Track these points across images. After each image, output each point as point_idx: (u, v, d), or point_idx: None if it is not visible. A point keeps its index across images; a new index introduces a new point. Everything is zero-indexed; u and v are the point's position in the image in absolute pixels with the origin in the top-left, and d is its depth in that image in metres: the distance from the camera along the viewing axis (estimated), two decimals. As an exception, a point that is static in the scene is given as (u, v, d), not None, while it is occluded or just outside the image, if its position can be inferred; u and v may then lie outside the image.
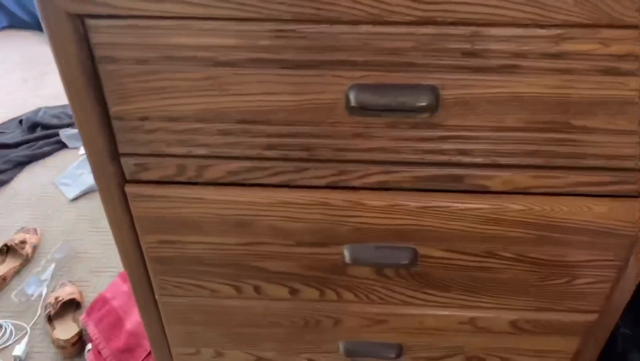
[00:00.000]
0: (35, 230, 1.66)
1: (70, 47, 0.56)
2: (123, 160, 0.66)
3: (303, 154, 0.64)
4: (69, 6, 0.54)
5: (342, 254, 0.72)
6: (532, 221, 0.67)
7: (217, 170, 0.66)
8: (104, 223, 1.66)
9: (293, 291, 0.78)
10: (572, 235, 0.68)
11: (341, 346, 0.85)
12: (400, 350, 0.85)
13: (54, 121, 2.16)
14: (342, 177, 0.66)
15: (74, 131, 2.06)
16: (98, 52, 0.57)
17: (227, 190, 0.68)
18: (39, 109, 2.26)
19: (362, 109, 0.59)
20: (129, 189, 0.68)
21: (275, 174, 0.66)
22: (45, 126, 2.13)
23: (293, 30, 0.55)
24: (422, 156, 0.63)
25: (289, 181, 0.66)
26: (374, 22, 0.54)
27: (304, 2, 0.52)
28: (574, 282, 0.73)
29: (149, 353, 1.29)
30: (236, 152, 0.65)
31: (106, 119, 0.63)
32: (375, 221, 0.68)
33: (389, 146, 0.63)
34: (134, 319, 1.35)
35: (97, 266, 1.58)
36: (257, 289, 0.78)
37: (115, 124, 0.63)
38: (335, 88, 0.59)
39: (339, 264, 0.74)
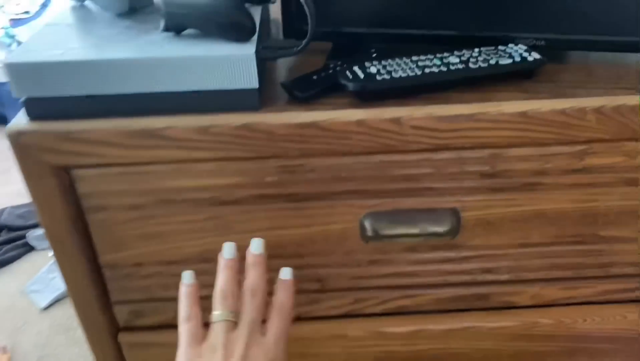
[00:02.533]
0: (4, 348, 1.53)
1: (55, 200, 0.51)
2: (116, 308, 0.59)
3: (315, 286, 0.59)
4: (54, 159, 0.48)
5: (362, 385, 0.66)
6: (563, 333, 0.62)
7: (221, 309, 0.60)
8: (82, 333, 1.54)
9: None
10: (606, 344, 0.64)
11: None
12: None
13: (20, 222, 2.05)
14: (360, 305, 0.61)
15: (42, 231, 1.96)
16: (86, 202, 0.52)
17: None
18: (3, 210, 2.15)
19: (379, 237, 0.55)
20: (123, 338, 0.61)
21: (286, 308, 0.60)
22: (11, 228, 2.01)
23: (301, 166, 0.51)
24: (445, 277, 0.59)
25: (302, 314, 0.61)
26: (389, 152, 0.50)
27: (314, 138, 0.49)
28: (610, 390, 0.68)
29: None
30: (241, 289, 0.59)
31: (95, 269, 0.56)
32: (397, 348, 0.63)
33: (408, 270, 0.58)
34: None
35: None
36: None
37: (107, 272, 0.57)
38: (348, 217, 0.54)
39: (359, 394, 0.67)
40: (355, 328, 0.62)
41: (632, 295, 0.61)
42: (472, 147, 0.50)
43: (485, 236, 0.56)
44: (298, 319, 0.61)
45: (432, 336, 0.62)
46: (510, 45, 0.53)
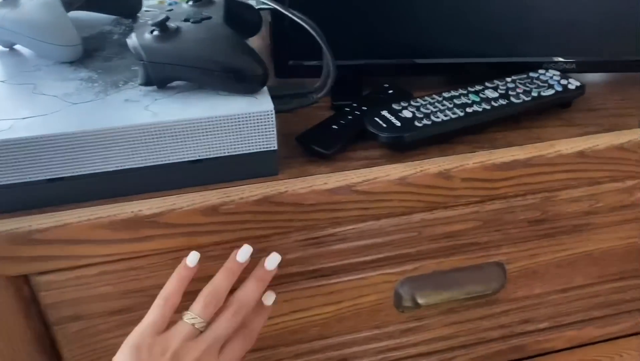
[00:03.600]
0: None
1: (11, 318, 0.38)
2: None
3: (339, 366, 0.50)
4: (10, 268, 0.36)
5: None
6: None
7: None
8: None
9: None
10: (640, 376, 0.60)
11: None
12: None
13: None
14: (388, 381, 0.52)
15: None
16: (53, 314, 0.39)
17: None
18: None
19: (417, 305, 0.47)
20: None
21: (305, 396, 0.51)
22: None
23: (331, 236, 0.42)
24: (481, 334, 0.52)
25: (324, 399, 0.51)
26: (432, 209, 0.42)
27: (348, 204, 0.39)
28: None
29: None
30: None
31: (67, 392, 0.44)
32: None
33: (444, 333, 0.51)
34: None
35: None
36: None
37: (82, 393, 0.44)
38: (383, 287, 0.46)
39: None
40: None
41: (665, 323, 0.57)
42: (524, 194, 0.43)
43: (528, 287, 0.50)
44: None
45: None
46: (540, 71, 0.47)
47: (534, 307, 0.51)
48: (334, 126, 0.42)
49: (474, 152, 0.41)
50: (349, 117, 0.43)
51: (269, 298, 0.40)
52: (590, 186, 0.45)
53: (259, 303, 0.39)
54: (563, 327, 0.54)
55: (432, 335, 0.50)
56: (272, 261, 0.39)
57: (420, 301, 0.46)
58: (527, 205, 0.44)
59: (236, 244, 0.39)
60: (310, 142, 0.41)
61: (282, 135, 0.44)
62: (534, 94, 0.44)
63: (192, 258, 0.37)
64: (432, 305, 0.47)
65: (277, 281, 0.42)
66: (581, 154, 0.42)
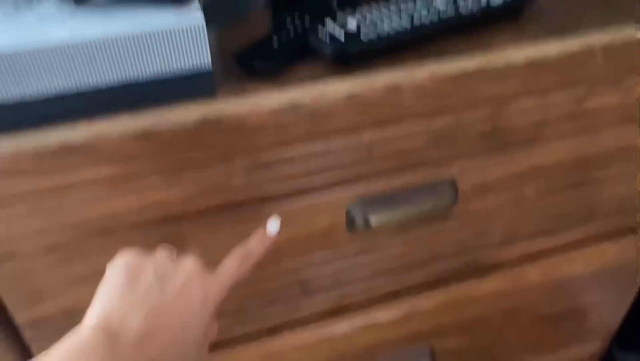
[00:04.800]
0: None
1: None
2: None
3: (296, 291, 0.50)
4: None
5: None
6: (551, 283, 0.60)
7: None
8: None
9: None
10: (587, 282, 0.62)
11: None
12: None
13: None
14: (345, 300, 0.52)
15: None
16: (-16, 254, 0.37)
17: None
18: None
19: (369, 225, 0.46)
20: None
21: (261, 321, 0.51)
22: None
23: (278, 158, 0.40)
24: (435, 251, 0.52)
25: (281, 324, 0.51)
26: (381, 125, 0.41)
27: (293, 124, 0.37)
28: (584, 320, 0.68)
29: None
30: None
31: (11, 333, 0.42)
32: (387, 335, 0.56)
33: (397, 252, 0.51)
34: None
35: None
36: None
37: (27, 333, 0.42)
38: (335, 209, 0.45)
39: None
40: (342, 325, 0.54)
41: (612, 231, 0.59)
42: (474, 106, 0.42)
43: (480, 202, 0.50)
44: (277, 330, 0.52)
45: (422, 315, 0.56)
46: (491, -22, 0.45)
47: (487, 221, 0.52)
48: (273, 42, 0.39)
49: (423, 64, 0.39)
50: (290, 29, 0.40)
51: (275, 226, 0.39)
52: (541, 95, 0.44)
53: (264, 231, 0.38)
54: (515, 240, 0.55)
55: (386, 253, 0.50)
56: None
57: (373, 221, 0.45)
58: (477, 118, 0.43)
59: (176, 174, 0.37)
60: (250, 60, 0.38)
61: (220, 52, 0.41)
62: (483, 3, 0.42)
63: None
64: (385, 225, 0.47)
65: (224, 211, 0.41)
66: (532, 63, 0.41)
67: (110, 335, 0.28)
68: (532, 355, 0.69)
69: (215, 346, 0.50)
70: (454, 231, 0.51)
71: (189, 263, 0.33)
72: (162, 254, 0.34)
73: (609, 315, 0.70)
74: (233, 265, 0.36)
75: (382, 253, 0.50)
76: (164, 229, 0.40)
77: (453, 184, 0.47)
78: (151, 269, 0.32)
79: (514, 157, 0.47)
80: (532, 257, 0.57)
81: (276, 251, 0.45)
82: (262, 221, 0.42)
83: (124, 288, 0.31)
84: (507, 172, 0.48)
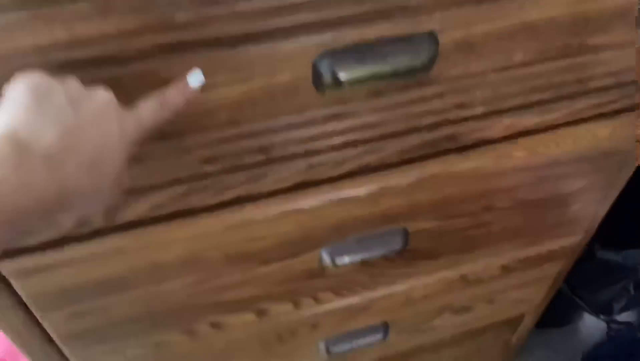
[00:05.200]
0: None
1: None
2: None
3: (258, 157, 0.46)
4: None
5: (319, 258, 0.57)
6: (536, 163, 0.56)
7: (136, 208, 0.46)
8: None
9: (261, 312, 0.62)
10: (575, 166, 0.59)
11: (321, 346, 0.72)
12: (386, 328, 0.74)
13: None
14: (314, 172, 0.49)
15: None
16: None
17: (155, 230, 0.48)
18: None
19: (338, 83, 0.41)
20: (5, 266, 0.45)
21: (223, 191, 0.47)
22: None
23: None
24: (413, 121, 0.48)
25: (243, 194, 0.48)
26: (351, -44, 0.35)
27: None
28: (567, 210, 0.66)
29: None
30: (160, 178, 0.44)
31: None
32: (358, 212, 0.53)
33: (371, 120, 0.46)
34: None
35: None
36: (215, 325, 0.60)
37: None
38: (298, 61, 0.40)
39: (316, 269, 0.58)
40: (310, 199, 0.50)
41: (606, 109, 0.55)
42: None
43: (464, 64, 0.45)
44: (241, 200, 0.48)
45: (397, 192, 0.53)
46: None
47: (470, 89, 0.47)
48: None
49: None
50: None
51: (196, 78, 0.35)
52: None
53: (183, 82, 0.35)
54: (500, 113, 0.51)
55: (359, 122, 0.46)
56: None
57: (341, 76, 0.40)
58: (464, -45, 0.37)
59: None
60: None
61: None
62: None
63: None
64: (355, 84, 0.42)
65: (166, 52, 0.36)
66: None
67: (19, 145, 0.26)
68: (511, 243, 0.67)
69: (173, 215, 0.47)
70: (433, 99, 0.47)
71: (104, 94, 0.31)
72: (73, 81, 0.31)
73: (594, 206, 0.67)
74: (149, 109, 0.34)
75: (354, 121, 0.46)
76: (98, 73, 0.35)
77: (433, 39, 0.42)
78: (62, 92, 0.29)
79: (504, 11, 0.42)
80: (517, 135, 0.53)
81: (234, 109, 0.41)
82: (214, 70, 0.38)
83: (31, 106, 0.28)
84: (495, 28, 0.43)
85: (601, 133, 0.56)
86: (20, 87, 0.29)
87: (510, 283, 0.76)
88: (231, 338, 0.64)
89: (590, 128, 0.55)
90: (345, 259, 0.57)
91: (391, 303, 0.69)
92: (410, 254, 0.62)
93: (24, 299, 0.49)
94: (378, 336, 0.74)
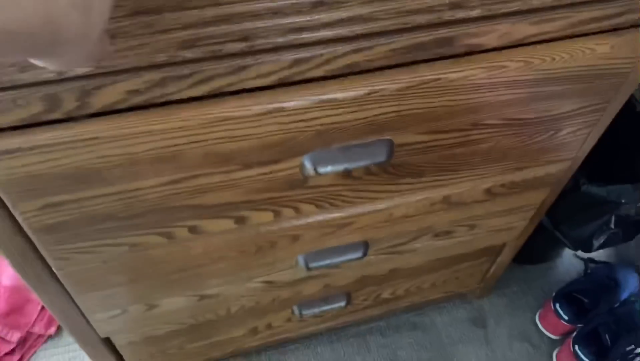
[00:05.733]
0: None
1: None
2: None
3: (239, 46, 0.43)
4: None
5: (301, 166, 0.55)
6: (530, 77, 0.54)
7: (111, 92, 0.43)
8: None
9: (240, 220, 0.61)
10: (570, 84, 0.57)
11: (300, 260, 0.72)
12: (366, 247, 0.74)
13: None
14: (298, 68, 0.46)
15: None
16: None
17: (130, 118, 0.46)
18: None
19: (328, -36, 0.39)
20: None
21: (202, 81, 0.45)
22: None
23: None
24: (404, 18, 0.46)
25: (225, 87, 0.46)
26: None
27: None
28: (557, 134, 0.65)
29: (44, 307, 1.07)
30: (135, 60, 0.42)
31: None
32: (343, 118, 0.52)
33: (360, 13, 0.44)
34: (8, 272, 1.09)
35: None
36: (193, 229, 0.60)
37: None
38: None
39: (298, 178, 0.57)
40: (292, 99, 0.48)
41: (606, 24, 0.52)
42: None
43: (463, -45, 0.42)
44: (219, 94, 0.46)
45: (384, 98, 0.51)
46: None
47: (467, -14, 0.45)
48: None
49: None
50: None
51: None
52: None
53: None
54: (496, 18, 0.48)
55: (348, 14, 0.43)
56: None
57: (331, -45, 0.38)
58: None
59: None
60: None
61: None
62: None
63: None
64: (347, -32, 0.39)
65: None
66: None
67: None
68: (497, 165, 0.66)
69: (149, 105, 0.45)
70: (428, -7, 0.44)
71: None
72: None
73: (584, 131, 0.66)
74: None
75: (343, 12, 0.43)
76: None
77: None
78: None
79: None
80: (512, 45, 0.51)
81: (215, -14, 0.38)
82: None
83: None
84: None
85: (600, 50, 0.54)
86: None
87: (493, 209, 0.75)
88: (209, 245, 0.63)
89: (588, 43, 0.53)
90: (328, 168, 0.55)
91: (372, 220, 0.69)
92: (394, 169, 0.61)
93: (-6, 186, 0.47)
94: (357, 254, 0.74)
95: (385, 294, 0.96)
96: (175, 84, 0.44)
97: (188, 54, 0.43)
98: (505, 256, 0.96)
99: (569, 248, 0.97)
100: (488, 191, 0.71)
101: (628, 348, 1.00)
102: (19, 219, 0.51)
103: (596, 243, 0.94)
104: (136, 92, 0.44)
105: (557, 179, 0.74)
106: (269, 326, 0.93)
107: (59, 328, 1.08)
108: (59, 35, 0.26)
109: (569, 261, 1.19)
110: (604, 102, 0.62)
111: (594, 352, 0.99)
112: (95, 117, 0.45)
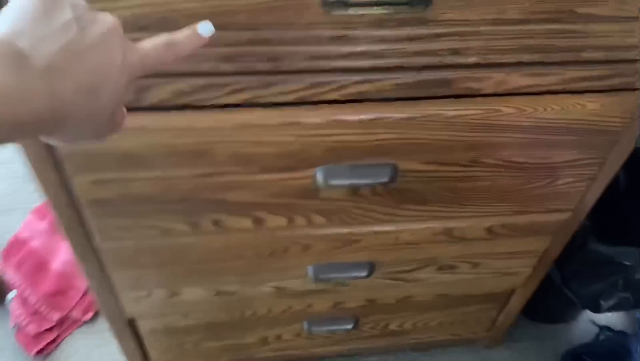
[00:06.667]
0: None
1: None
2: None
3: (268, 66, 0.53)
4: None
5: (314, 177, 0.64)
6: (523, 123, 0.61)
7: (161, 91, 0.54)
8: (5, 154, 1.45)
9: (258, 221, 0.69)
10: (562, 136, 0.63)
11: (310, 271, 0.79)
12: (372, 267, 0.80)
13: None
14: (316, 90, 0.56)
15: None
16: None
17: (175, 115, 0.56)
18: None
19: (343, 4, 0.48)
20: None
21: (235, 91, 0.55)
22: None
23: None
24: (410, 59, 0.54)
25: (253, 98, 0.55)
26: None
27: None
28: (554, 183, 0.70)
29: (85, 293, 1.18)
30: (184, 67, 0.52)
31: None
32: (353, 138, 0.60)
33: (372, 50, 0.53)
34: (60, 258, 1.21)
35: (5, 204, 1.39)
36: (216, 223, 0.69)
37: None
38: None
39: (311, 188, 0.65)
40: (309, 115, 0.57)
41: (597, 84, 0.59)
42: None
43: (459, 10, 0.51)
44: (249, 104, 0.56)
45: (390, 124, 0.59)
46: None
47: (464, 36, 0.53)
48: None
49: None
50: None
51: (205, 28, 0.38)
52: None
53: (194, 30, 0.38)
54: (492, 67, 0.56)
55: (360, 49, 0.53)
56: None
57: (346, -2, 0.47)
58: None
59: None
60: None
61: None
62: None
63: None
64: (360, 10, 0.49)
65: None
66: None
67: (18, 52, 0.26)
68: (497, 205, 0.72)
69: (191, 106, 0.55)
70: (429, 39, 0.53)
71: (111, 19, 0.31)
72: (82, 1, 0.31)
73: (582, 183, 0.71)
74: (155, 48, 0.34)
75: (355, 47, 0.52)
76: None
77: (431, -22, 0.48)
78: (69, 8, 0.29)
79: (499, -36, 0.48)
80: (508, 92, 0.59)
81: (252, 13, 0.48)
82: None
83: (36, 14, 0.28)
84: (489, -20, 0.49)
85: (590, 106, 0.61)
86: None
87: (495, 250, 0.81)
88: (229, 241, 0.72)
89: (579, 100, 0.60)
90: (338, 182, 0.63)
91: (379, 241, 0.75)
92: (399, 193, 0.68)
93: (58, 159, 0.58)
94: (363, 273, 0.80)
95: (393, 326, 1.01)
96: (214, 90, 0.54)
97: (227, 67, 0.53)
98: (513, 307, 0.99)
99: (579, 305, 0.99)
100: (489, 230, 0.76)
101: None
102: (74, 190, 0.62)
103: (605, 305, 0.96)
104: (182, 93, 0.54)
105: (557, 228, 0.78)
106: (279, 337, 0.99)
107: (94, 316, 1.18)
108: (66, 121, 0.28)
109: (585, 326, 1.20)
110: (599, 157, 0.67)
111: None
112: (145, 110, 0.55)
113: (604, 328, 1.15)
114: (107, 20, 0.31)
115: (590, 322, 1.20)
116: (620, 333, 1.13)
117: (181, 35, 0.36)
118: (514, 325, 1.09)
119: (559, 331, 1.18)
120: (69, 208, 0.64)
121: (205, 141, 0.58)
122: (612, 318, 1.21)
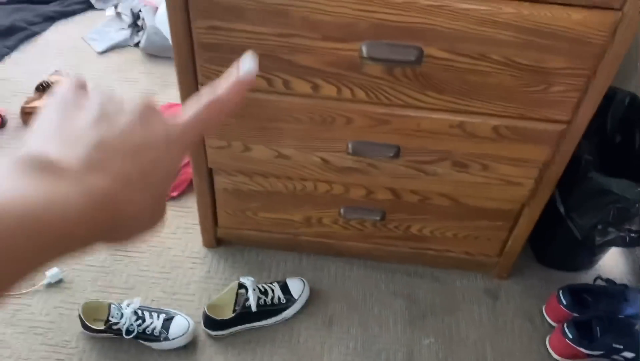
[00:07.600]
0: (68, 73, 1.79)
1: None
2: None
3: None
4: None
5: (359, 50, 0.87)
6: (520, 24, 0.81)
7: (263, -39, 0.80)
8: (132, 75, 1.79)
9: (315, 87, 0.93)
10: (552, 41, 0.82)
11: (350, 146, 1.02)
12: (398, 150, 1.01)
13: (81, -16, 2.23)
14: None
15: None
16: None
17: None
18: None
19: None
20: None
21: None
22: (74, -11, 2.20)
23: None
24: (436, -43, 0.76)
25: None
26: None
27: None
28: (549, 89, 0.88)
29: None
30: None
31: None
32: (391, 17, 0.82)
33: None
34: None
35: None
36: (285, 83, 0.93)
37: None
38: None
39: (356, 61, 0.88)
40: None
41: (582, 0, 0.78)
42: None
43: None
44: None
45: (418, 9, 0.81)
46: None
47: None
48: None
49: None
50: None
51: (247, 68, 0.33)
52: None
53: (235, 73, 0.33)
54: (497, -28, 0.77)
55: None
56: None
57: None
58: None
59: None
60: None
61: None
62: None
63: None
64: None
65: None
66: None
67: (43, 161, 0.25)
68: (502, 104, 0.91)
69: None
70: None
71: (140, 101, 0.30)
72: (106, 93, 0.31)
73: (574, 94, 0.88)
74: (197, 114, 0.31)
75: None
76: None
77: None
78: (95, 103, 0.29)
79: None
80: (509, -4, 0.79)
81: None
82: None
83: (60, 121, 0.28)
84: None
85: (574, 17, 0.79)
86: (48, 103, 0.29)
87: (500, 152, 0.99)
88: (293, 104, 0.96)
89: (567, 10, 0.79)
90: (378, 53, 0.86)
91: (405, 125, 0.96)
92: (424, 79, 0.89)
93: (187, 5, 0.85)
94: (391, 153, 1.01)
95: (414, 230, 1.20)
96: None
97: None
98: (521, 230, 1.15)
99: (578, 236, 1.13)
100: (495, 130, 0.95)
101: (615, 345, 1.12)
102: (193, 33, 0.88)
103: (599, 239, 1.10)
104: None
105: (556, 139, 0.95)
106: (320, 221, 1.22)
107: (179, 195, 1.47)
108: (122, 212, 0.27)
109: (592, 278, 1.32)
110: (586, 69, 0.85)
111: (581, 335, 1.12)
112: (251, -26, 0.81)
113: (609, 281, 1.28)
114: (138, 103, 0.30)
115: (599, 279, 1.32)
116: (621, 284, 1.25)
117: (223, 86, 0.32)
118: (521, 251, 1.23)
119: (565, 277, 1.31)
120: (187, 49, 0.91)
121: (284, 3, 0.82)
122: (617, 271, 1.32)
